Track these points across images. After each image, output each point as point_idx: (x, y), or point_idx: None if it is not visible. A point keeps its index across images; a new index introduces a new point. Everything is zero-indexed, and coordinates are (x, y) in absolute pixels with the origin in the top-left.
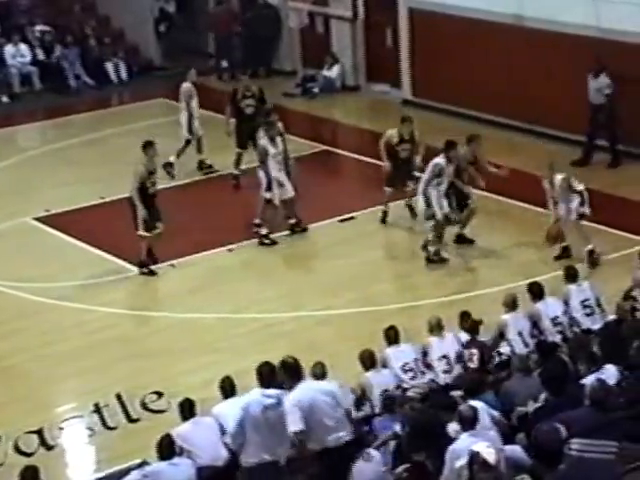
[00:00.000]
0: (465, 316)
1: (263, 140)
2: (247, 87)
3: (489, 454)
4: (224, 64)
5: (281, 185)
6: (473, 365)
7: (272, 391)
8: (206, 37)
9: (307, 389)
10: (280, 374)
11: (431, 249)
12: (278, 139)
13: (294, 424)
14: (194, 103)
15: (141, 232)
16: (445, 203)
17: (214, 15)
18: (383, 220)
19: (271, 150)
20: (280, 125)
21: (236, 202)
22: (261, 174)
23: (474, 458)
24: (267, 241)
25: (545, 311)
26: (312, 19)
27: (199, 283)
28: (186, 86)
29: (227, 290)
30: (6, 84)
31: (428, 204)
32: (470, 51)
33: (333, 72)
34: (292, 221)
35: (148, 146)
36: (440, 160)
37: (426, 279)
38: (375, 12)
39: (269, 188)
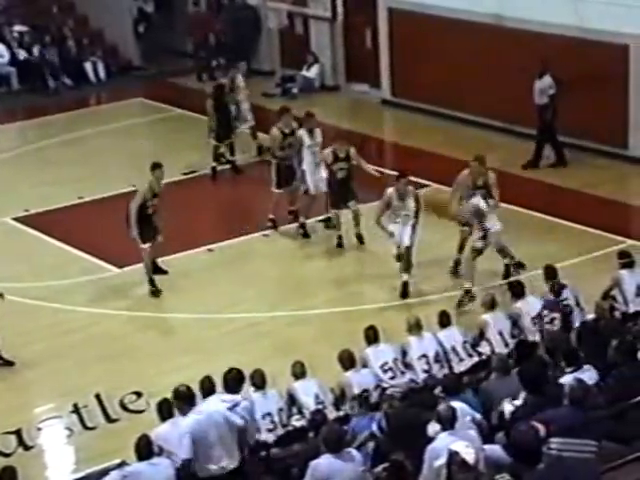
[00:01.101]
0: (444, 316)
1: (301, 130)
2: (232, 80)
3: (468, 454)
4: (216, 63)
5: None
6: (555, 328)
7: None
8: (185, 37)
9: (200, 418)
10: (174, 403)
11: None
12: (317, 131)
13: (184, 452)
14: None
15: (142, 245)
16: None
17: (192, 16)
18: (339, 244)
19: (307, 141)
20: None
21: (221, 200)
22: (295, 164)
23: (453, 458)
24: (301, 231)
25: (526, 309)
26: (291, 19)
27: (179, 283)
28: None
29: (207, 290)
30: None
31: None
32: (450, 51)
33: (312, 72)
34: (299, 219)
35: (156, 168)
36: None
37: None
38: (354, 12)
39: (303, 180)
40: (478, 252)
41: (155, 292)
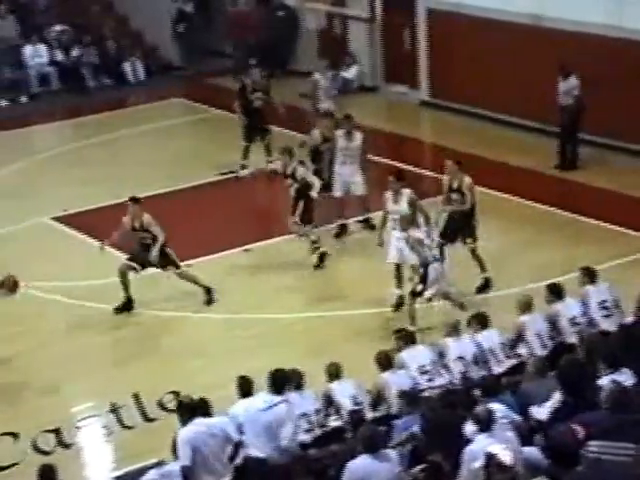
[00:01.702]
0: (481, 317)
1: (338, 132)
2: (255, 80)
3: (505, 455)
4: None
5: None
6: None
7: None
8: (223, 38)
9: (198, 429)
10: (178, 412)
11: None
12: (357, 134)
13: (184, 460)
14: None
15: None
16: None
17: (230, 17)
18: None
19: (342, 144)
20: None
21: (257, 200)
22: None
23: (490, 460)
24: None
25: (563, 311)
26: (329, 20)
27: (215, 283)
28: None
29: (241, 290)
30: (25, 84)
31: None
32: (488, 51)
33: (351, 73)
34: (339, 222)
35: (132, 201)
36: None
37: None
38: (393, 13)
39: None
40: (418, 295)
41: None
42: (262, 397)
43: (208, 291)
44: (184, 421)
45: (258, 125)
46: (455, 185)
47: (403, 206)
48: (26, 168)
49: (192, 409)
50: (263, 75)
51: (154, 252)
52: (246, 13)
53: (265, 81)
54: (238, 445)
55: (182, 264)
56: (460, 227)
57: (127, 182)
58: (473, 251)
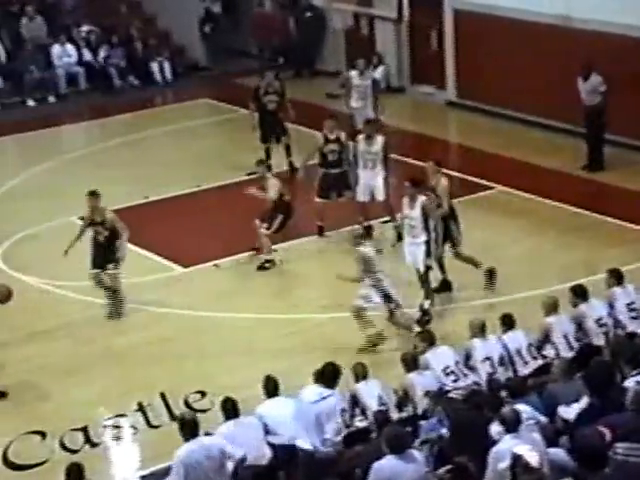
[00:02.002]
0: (508, 318)
1: (359, 136)
2: (269, 83)
3: (532, 456)
4: (280, 61)
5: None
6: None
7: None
8: (250, 38)
9: (194, 449)
10: (180, 430)
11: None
12: (379, 138)
13: (175, 478)
14: None
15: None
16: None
17: (255, 17)
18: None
19: (362, 147)
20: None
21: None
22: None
23: (517, 461)
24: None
25: (589, 312)
26: (356, 20)
27: (242, 283)
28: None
29: (269, 291)
30: (53, 84)
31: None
32: (515, 52)
33: (378, 73)
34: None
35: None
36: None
37: (467, 281)
38: (420, 13)
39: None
40: (362, 310)
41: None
42: (313, 390)
43: (120, 303)
44: (186, 439)
45: (273, 127)
46: (432, 183)
47: (416, 212)
48: (54, 168)
49: (194, 427)
50: (277, 77)
51: (123, 250)
52: (272, 14)
53: (279, 83)
54: (242, 461)
55: (210, 264)
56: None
57: (154, 182)
58: (457, 255)
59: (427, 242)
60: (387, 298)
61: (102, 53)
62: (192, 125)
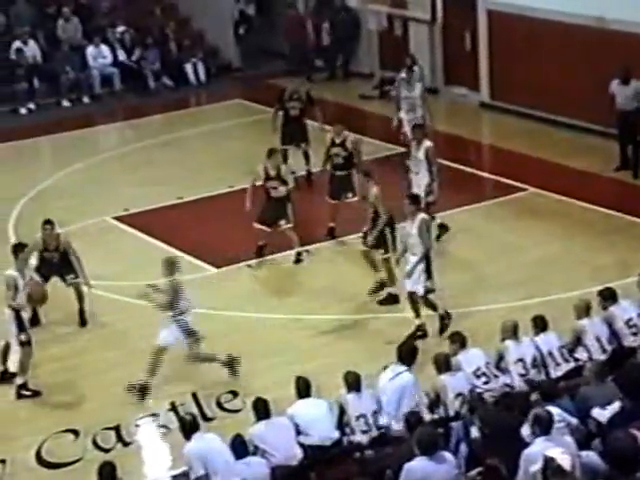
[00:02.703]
0: (540, 320)
1: (427, 141)
2: (295, 90)
3: (564, 460)
4: (318, 63)
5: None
6: None
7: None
8: (284, 39)
9: (201, 443)
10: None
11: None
12: (425, 144)
13: (195, 471)
14: None
15: None
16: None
17: (289, 18)
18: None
19: (413, 152)
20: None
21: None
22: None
23: (549, 464)
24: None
25: (619, 313)
26: (390, 22)
27: (274, 284)
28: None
29: (301, 292)
30: (87, 85)
31: None
32: (548, 53)
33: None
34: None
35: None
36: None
37: (500, 282)
38: (453, 14)
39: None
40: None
41: None
42: (391, 368)
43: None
44: (187, 437)
45: (294, 133)
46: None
47: (413, 231)
48: (88, 168)
49: (194, 426)
50: (309, 80)
51: (85, 277)
52: (305, 15)
53: (305, 90)
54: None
55: (243, 264)
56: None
57: (187, 183)
58: (385, 261)
59: (420, 261)
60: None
61: (136, 54)
62: (225, 126)
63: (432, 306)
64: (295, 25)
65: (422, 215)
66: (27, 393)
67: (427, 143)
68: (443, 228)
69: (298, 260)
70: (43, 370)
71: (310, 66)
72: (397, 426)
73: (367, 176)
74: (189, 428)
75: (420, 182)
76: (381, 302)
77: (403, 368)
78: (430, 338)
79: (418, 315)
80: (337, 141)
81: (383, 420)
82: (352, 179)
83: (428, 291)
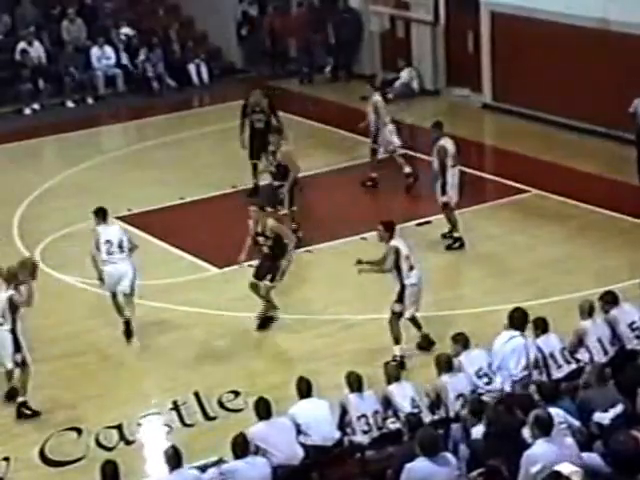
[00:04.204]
0: (541, 322)
1: (443, 140)
2: (257, 102)
3: (574, 476)
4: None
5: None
6: None
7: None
8: (287, 41)
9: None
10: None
11: None
12: (439, 143)
13: None
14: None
15: None
16: None
17: (292, 19)
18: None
19: (450, 150)
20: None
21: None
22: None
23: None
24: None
25: (621, 316)
26: (393, 23)
27: (282, 285)
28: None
29: (304, 291)
30: (91, 86)
31: None
32: (551, 55)
33: (403, 77)
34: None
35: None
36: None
37: (502, 284)
38: (456, 16)
39: (444, 192)
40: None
41: None
42: (505, 333)
43: None
44: (172, 469)
45: (260, 145)
46: (260, 229)
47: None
48: (92, 168)
49: (178, 459)
50: (267, 94)
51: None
52: (308, 16)
53: (267, 101)
54: None
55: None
56: (268, 265)
57: (190, 183)
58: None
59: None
60: None
61: (140, 55)
62: (228, 127)
63: (395, 335)
64: (299, 26)
65: (391, 243)
66: (27, 412)
67: (440, 142)
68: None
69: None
70: (45, 369)
71: (311, 67)
72: (506, 385)
73: (278, 133)
74: (171, 463)
75: (434, 182)
76: (260, 325)
77: (517, 332)
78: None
79: (398, 341)
80: (272, 148)
81: (497, 381)
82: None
83: (395, 313)
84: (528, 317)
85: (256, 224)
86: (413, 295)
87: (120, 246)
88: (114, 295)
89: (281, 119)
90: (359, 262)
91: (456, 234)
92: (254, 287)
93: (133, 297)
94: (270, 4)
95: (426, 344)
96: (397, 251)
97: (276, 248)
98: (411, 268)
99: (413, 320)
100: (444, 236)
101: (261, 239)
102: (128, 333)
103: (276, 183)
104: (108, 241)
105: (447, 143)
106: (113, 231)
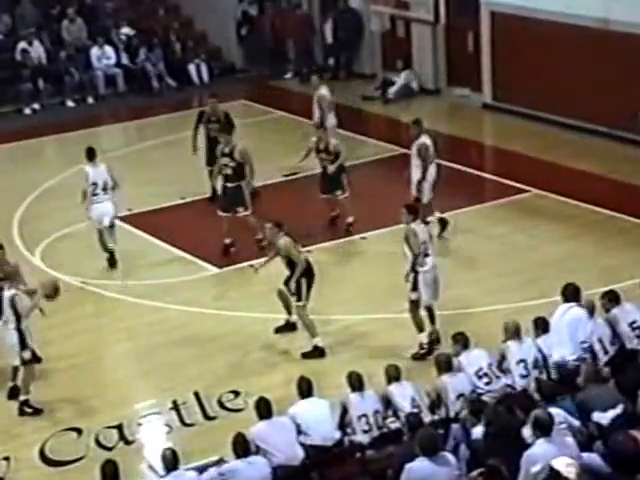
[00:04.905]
0: (541, 322)
1: (423, 137)
2: (214, 110)
3: (570, 472)
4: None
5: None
6: None
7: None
8: (286, 40)
9: None
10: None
11: None
12: (419, 141)
13: None
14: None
15: None
16: None
17: (292, 19)
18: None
19: (430, 148)
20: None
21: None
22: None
23: (554, 477)
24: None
25: (622, 315)
26: (393, 23)
27: (276, 283)
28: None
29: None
30: (91, 86)
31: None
32: (551, 55)
33: (401, 79)
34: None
35: None
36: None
37: (502, 284)
38: (456, 16)
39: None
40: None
41: None
42: (562, 306)
43: None
44: (168, 471)
45: (215, 154)
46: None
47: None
48: None
49: (175, 461)
50: (213, 102)
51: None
52: (308, 16)
53: (224, 112)
54: None
55: (245, 264)
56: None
57: (191, 183)
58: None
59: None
60: None
61: (140, 55)
62: None
63: (417, 324)
64: (299, 25)
65: (411, 225)
66: (29, 410)
67: (421, 140)
68: (442, 223)
69: (262, 248)
70: (45, 368)
71: (312, 67)
72: (571, 357)
73: (278, 227)
74: (168, 465)
75: (413, 178)
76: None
77: (573, 303)
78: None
79: (421, 329)
80: (226, 150)
81: (557, 355)
82: (243, 192)
83: (412, 302)
84: (580, 291)
85: (270, 244)
86: (427, 283)
87: (104, 188)
88: (101, 233)
89: (234, 122)
90: None
91: (350, 219)
92: (281, 294)
93: (114, 229)
94: (269, 4)
95: (432, 340)
96: (415, 234)
97: (289, 267)
98: (426, 255)
99: (429, 310)
100: (439, 236)
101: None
102: (112, 263)
103: (230, 185)
104: (94, 183)
105: (427, 140)
106: (99, 173)
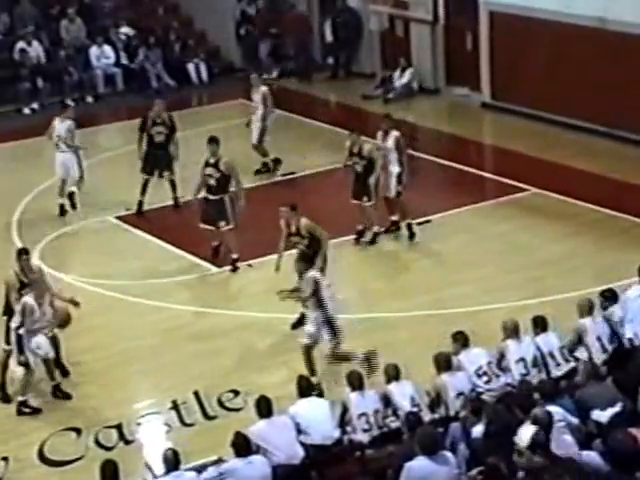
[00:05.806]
0: (540, 320)
1: (394, 131)
2: (158, 114)
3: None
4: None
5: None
6: None
7: None
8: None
9: None
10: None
11: None
12: (392, 134)
13: None
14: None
15: None
16: None
17: (290, 19)
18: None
19: (379, 142)
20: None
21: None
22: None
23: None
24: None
25: (619, 313)
26: (392, 22)
27: (275, 283)
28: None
29: None
30: (90, 85)
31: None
32: (550, 54)
33: (405, 77)
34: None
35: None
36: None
37: (502, 283)
38: (455, 15)
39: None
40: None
41: None
42: (636, 287)
43: None
44: (169, 471)
45: (157, 161)
46: (293, 229)
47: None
48: (91, 167)
49: (176, 462)
50: (159, 105)
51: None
52: (306, 15)
53: (168, 115)
54: None
55: (244, 263)
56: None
57: (189, 183)
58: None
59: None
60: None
61: (139, 55)
62: (227, 126)
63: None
64: (298, 25)
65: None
66: (27, 410)
67: (395, 133)
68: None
69: (235, 268)
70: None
71: (311, 66)
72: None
73: (293, 209)
74: (169, 465)
75: (387, 175)
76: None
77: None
78: (431, 339)
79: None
80: (211, 161)
81: (629, 334)
82: (225, 205)
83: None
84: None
85: (288, 225)
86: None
87: (66, 142)
88: (63, 181)
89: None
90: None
91: (375, 228)
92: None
93: (82, 182)
94: (265, 3)
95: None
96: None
97: (312, 246)
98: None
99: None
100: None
101: (296, 238)
102: (73, 205)
103: (212, 197)
104: (58, 136)
105: (398, 134)
106: (61, 127)
